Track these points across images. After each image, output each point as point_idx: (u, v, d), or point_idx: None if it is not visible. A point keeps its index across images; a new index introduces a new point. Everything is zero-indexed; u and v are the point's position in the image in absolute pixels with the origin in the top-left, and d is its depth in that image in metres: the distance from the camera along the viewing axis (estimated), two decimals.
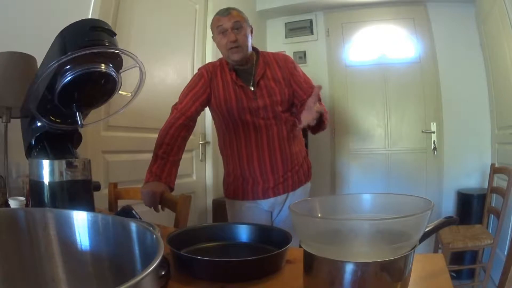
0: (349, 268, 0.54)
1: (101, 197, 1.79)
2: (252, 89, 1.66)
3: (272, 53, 1.78)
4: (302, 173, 1.77)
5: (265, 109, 1.65)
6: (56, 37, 0.86)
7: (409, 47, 3.39)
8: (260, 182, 1.70)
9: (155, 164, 1.49)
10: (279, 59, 1.74)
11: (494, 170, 2.67)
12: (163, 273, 0.69)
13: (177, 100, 1.68)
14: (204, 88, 1.67)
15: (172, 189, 1.51)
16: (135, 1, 2.26)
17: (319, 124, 1.54)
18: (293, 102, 1.73)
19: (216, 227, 1.05)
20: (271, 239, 0.92)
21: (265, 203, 1.74)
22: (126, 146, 2.24)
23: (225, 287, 0.73)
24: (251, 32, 1.68)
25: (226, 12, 1.61)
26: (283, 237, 0.89)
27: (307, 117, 1.45)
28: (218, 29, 1.62)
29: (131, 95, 1.01)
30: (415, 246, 0.58)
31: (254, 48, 1.72)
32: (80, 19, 0.88)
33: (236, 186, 1.75)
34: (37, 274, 0.55)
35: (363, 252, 0.57)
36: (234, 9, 1.64)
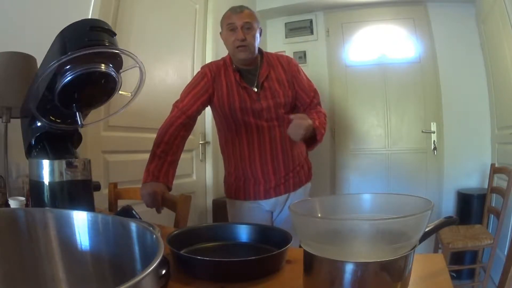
0: (349, 268, 0.54)
1: (101, 197, 1.79)
2: (256, 90, 1.65)
3: (276, 54, 1.77)
4: (303, 174, 1.77)
5: (268, 110, 1.64)
6: (56, 37, 0.86)
7: (409, 47, 3.39)
8: (261, 182, 1.70)
9: (152, 163, 1.48)
10: (283, 61, 1.73)
11: (494, 170, 2.67)
12: (163, 273, 0.69)
13: (177, 99, 1.68)
14: (206, 88, 1.65)
15: (170, 189, 1.50)
16: (135, 1, 2.26)
17: (312, 139, 1.59)
18: (295, 105, 1.74)
19: (216, 227, 1.05)
20: (271, 239, 0.92)
21: (266, 203, 1.74)
22: (126, 146, 2.24)
23: (225, 287, 0.73)
24: (260, 33, 1.68)
25: (238, 10, 1.61)
26: (283, 237, 0.89)
27: (292, 132, 1.51)
28: (228, 26, 1.62)
29: (131, 95, 1.01)
30: (415, 246, 0.58)
31: (258, 49, 1.71)
32: (80, 19, 0.88)
33: (237, 186, 1.75)
34: (37, 274, 0.55)
35: (363, 252, 0.57)
36: (247, 8, 1.64)
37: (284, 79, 1.68)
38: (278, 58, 1.74)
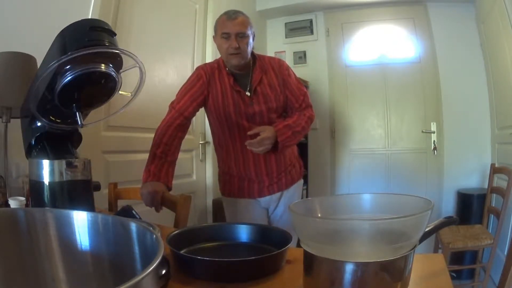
0: (349, 268, 0.54)
1: (101, 197, 1.79)
2: (249, 94, 1.66)
3: (268, 58, 1.78)
4: (294, 172, 1.81)
5: (261, 115, 1.66)
6: (56, 37, 0.86)
7: (409, 47, 3.39)
8: (255, 182, 1.74)
9: (152, 164, 1.49)
10: (275, 64, 1.74)
11: (494, 170, 2.67)
12: (163, 273, 0.69)
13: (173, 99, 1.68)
14: (202, 89, 1.66)
15: (170, 189, 1.51)
16: (135, 1, 2.26)
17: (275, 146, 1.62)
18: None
19: (216, 227, 1.05)
20: (271, 239, 0.92)
21: (261, 200, 1.78)
22: (126, 146, 2.24)
23: (225, 287, 0.73)
24: (253, 37, 1.67)
25: (233, 16, 1.60)
26: (283, 237, 0.89)
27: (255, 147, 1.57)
28: (222, 33, 1.61)
29: (131, 95, 1.01)
30: (415, 246, 0.58)
31: (251, 52, 1.71)
32: (80, 19, 0.88)
33: (232, 184, 1.77)
34: (37, 274, 0.55)
35: (363, 252, 0.57)
36: (241, 14, 1.62)
37: (275, 84, 1.70)
38: (270, 62, 1.74)
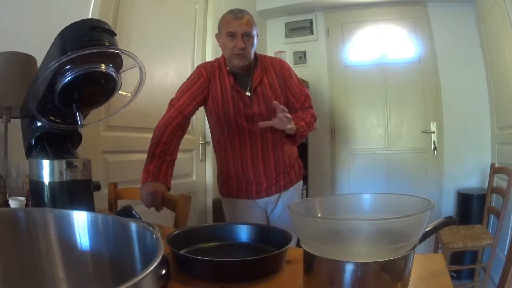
0: (349, 268, 0.54)
1: (101, 197, 1.79)
2: (249, 94, 1.65)
3: (270, 58, 1.76)
4: (293, 174, 1.80)
5: (260, 116, 1.64)
6: (56, 37, 0.86)
7: (409, 47, 3.39)
8: (253, 183, 1.72)
9: (151, 163, 1.48)
10: (276, 64, 1.73)
11: (494, 170, 2.67)
12: (163, 273, 0.69)
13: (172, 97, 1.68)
14: (202, 88, 1.65)
15: (169, 189, 1.50)
16: (135, 1, 2.26)
17: (292, 136, 1.58)
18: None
19: (216, 227, 1.05)
20: (271, 239, 0.92)
21: (259, 201, 1.77)
22: (126, 146, 2.24)
23: (225, 287, 0.73)
24: (257, 37, 1.67)
25: (239, 15, 1.57)
26: (283, 237, 0.89)
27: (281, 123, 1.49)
28: (227, 32, 1.59)
29: (131, 95, 1.01)
30: (415, 246, 0.58)
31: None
32: (80, 19, 0.88)
33: (230, 185, 1.76)
34: (37, 274, 0.55)
35: (363, 252, 0.57)
36: (247, 13, 1.60)
37: (276, 85, 1.69)
38: (271, 62, 1.73)
